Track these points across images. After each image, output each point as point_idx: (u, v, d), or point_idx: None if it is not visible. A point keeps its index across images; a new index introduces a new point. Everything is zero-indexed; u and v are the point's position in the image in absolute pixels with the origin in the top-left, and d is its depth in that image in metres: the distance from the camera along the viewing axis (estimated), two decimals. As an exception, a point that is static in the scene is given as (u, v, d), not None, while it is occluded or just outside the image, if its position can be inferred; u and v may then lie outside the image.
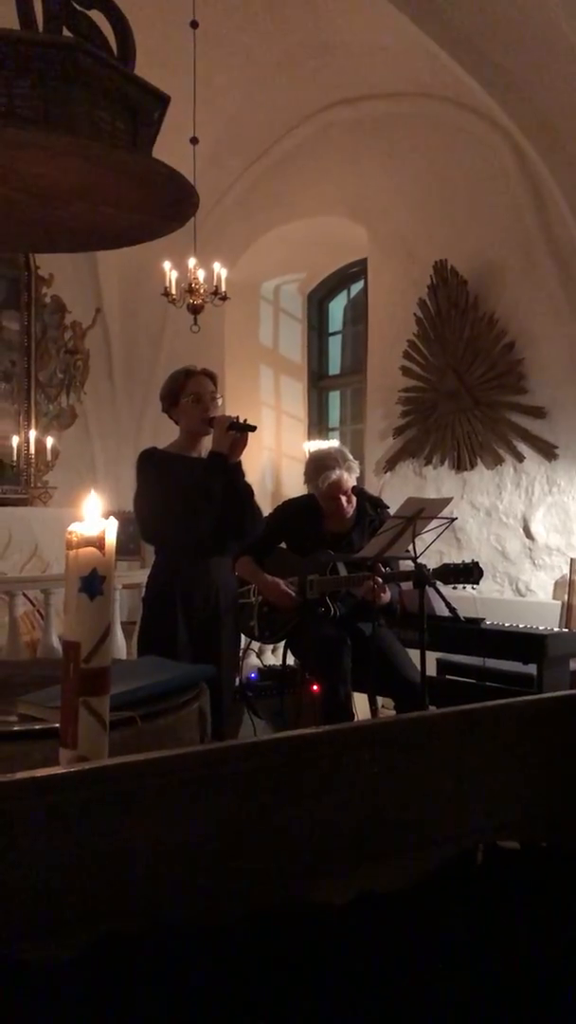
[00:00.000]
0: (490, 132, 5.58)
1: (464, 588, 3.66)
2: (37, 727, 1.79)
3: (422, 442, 6.10)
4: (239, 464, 3.14)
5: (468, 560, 3.64)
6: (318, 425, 7.87)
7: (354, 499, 3.91)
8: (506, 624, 4.46)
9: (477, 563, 3.58)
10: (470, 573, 3.55)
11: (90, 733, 1.21)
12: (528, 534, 5.61)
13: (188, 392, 3.18)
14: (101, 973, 0.96)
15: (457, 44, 5.20)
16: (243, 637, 4.04)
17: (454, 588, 3.65)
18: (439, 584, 3.57)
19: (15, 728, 1.82)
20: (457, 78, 5.37)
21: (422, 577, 3.50)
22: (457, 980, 1.18)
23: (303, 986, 1.08)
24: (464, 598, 4.52)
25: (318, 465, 3.88)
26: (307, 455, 6.21)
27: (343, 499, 3.85)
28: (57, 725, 1.26)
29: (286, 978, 1.07)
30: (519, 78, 5.18)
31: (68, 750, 1.21)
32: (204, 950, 1.02)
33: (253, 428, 3.12)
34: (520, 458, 5.59)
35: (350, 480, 3.86)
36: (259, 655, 5.21)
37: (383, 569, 3.68)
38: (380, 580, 3.62)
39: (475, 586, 3.63)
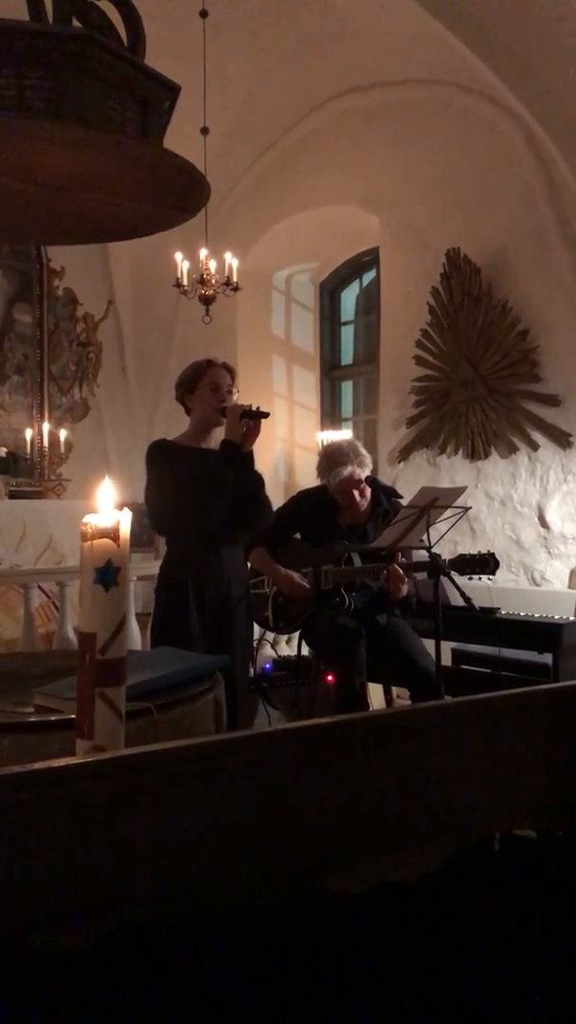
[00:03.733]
0: (502, 118, 5.54)
1: (480, 579, 3.65)
2: (53, 718, 1.80)
3: (436, 431, 6.08)
4: (251, 453, 3.14)
5: (484, 551, 3.62)
6: (331, 415, 7.85)
7: (368, 491, 3.90)
8: (521, 613, 4.45)
9: (493, 554, 3.57)
10: (486, 564, 3.53)
11: (106, 724, 1.21)
12: (543, 523, 5.59)
13: (207, 380, 3.19)
14: (115, 962, 0.97)
15: (468, 29, 5.16)
16: (257, 627, 4.05)
17: (470, 579, 3.64)
18: (453, 574, 3.56)
19: (32, 719, 1.83)
20: (468, 64, 5.32)
21: (437, 567, 3.49)
22: (473, 969, 1.18)
23: (319, 975, 1.08)
24: (479, 588, 4.50)
25: (330, 461, 3.88)
26: (320, 446, 6.21)
27: (356, 494, 3.84)
28: (73, 716, 1.27)
29: (302, 967, 1.07)
30: (531, 63, 5.14)
31: (84, 740, 1.21)
32: (219, 939, 1.03)
33: (266, 415, 3.12)
34: (535, 447, 5.56)
35: (362, 475, 3.85)
36: (274, 646, 5.22)
37: (400, 559, 3.67)
38: (400, 571, 3.62)
39: (491, 577, 3.62)
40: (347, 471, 3.80)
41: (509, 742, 1.25)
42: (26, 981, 0.92)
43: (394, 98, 6.27)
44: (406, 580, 3.69)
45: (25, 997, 0.92)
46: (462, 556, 3.61)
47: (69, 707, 1.71)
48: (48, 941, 0.91)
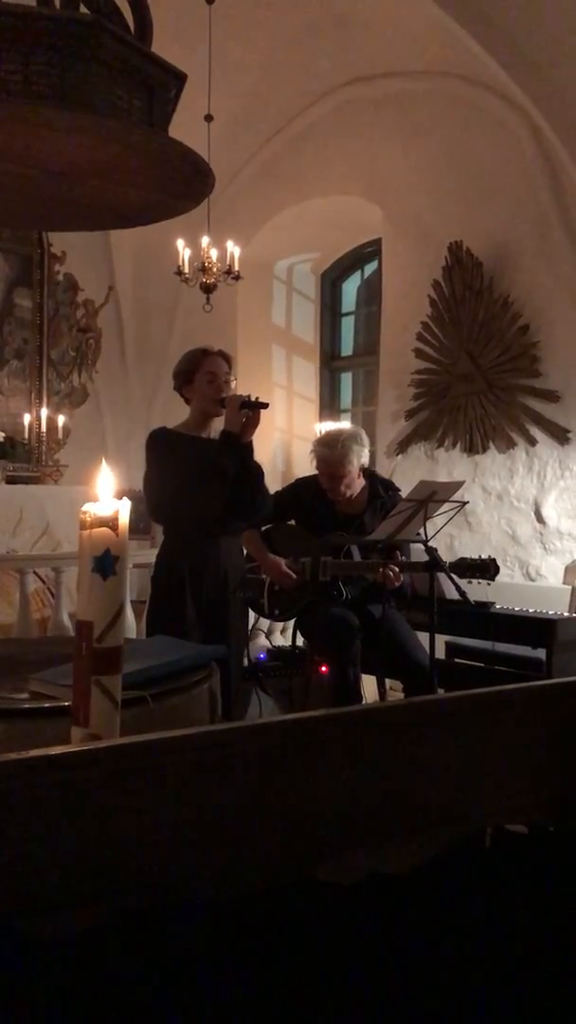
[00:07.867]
0: (507, 111, 5.53)
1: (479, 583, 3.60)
2: (48, 705, 1.80)
3: (434, 425, 6.08)
4: (250, 443, 3.14)
5: (484, 555, 3.58)
6: (330, 406, 7.85)
7: (356, 482, 3.87)
8: (516, 608, 4.46)
9: (494, 560, 3.50)
10: (487, 569, 3.46)
11: (102, 712, 1.22)
12: (539, 518, 5.60)
13: (204, 371, 3.18)
14: (111, 949, 0.97)
15: (475, 21, 5.14)
16: (252, 614, 4.05)
17: (469, 582, 3.59)
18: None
19: (27, 706, 1.83)
20: (475, 56, 5.31)
21: (434, 562, 3.48)
22: (463, 963, 1.19)
23: (310, 964, 1.09)
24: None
25: (316, 444, 3.90)
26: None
27: (332, 479, 3.80)
28: (69, 703, 1.27)
29: (293, 957, 1.08)
30: (537, 56, 5.12)
31: (80, 728, 1.22)
32: (212, 928, 1.03)
33: (265, 405, 3.12)
34: (533, 442, 5.57)
35: (351, 464, 3.79)
36: (268, 635, 5.23)
37: (399, 557, 3.67)
38: (396, 568, 3.60)
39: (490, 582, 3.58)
40: (321, 453, 3.79)
41: (501, 737, 1.25)
42: (19, 967, 0.92)
43: (399, 89, 6.25)
44: (400, 575, 3.69)
45: (18, 983, 0.93)
46: (463, 560, 3.56)
47: (65, 694, 1.71)
48: (42, 927, 0.92)
